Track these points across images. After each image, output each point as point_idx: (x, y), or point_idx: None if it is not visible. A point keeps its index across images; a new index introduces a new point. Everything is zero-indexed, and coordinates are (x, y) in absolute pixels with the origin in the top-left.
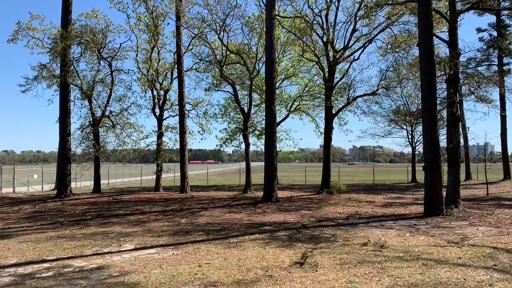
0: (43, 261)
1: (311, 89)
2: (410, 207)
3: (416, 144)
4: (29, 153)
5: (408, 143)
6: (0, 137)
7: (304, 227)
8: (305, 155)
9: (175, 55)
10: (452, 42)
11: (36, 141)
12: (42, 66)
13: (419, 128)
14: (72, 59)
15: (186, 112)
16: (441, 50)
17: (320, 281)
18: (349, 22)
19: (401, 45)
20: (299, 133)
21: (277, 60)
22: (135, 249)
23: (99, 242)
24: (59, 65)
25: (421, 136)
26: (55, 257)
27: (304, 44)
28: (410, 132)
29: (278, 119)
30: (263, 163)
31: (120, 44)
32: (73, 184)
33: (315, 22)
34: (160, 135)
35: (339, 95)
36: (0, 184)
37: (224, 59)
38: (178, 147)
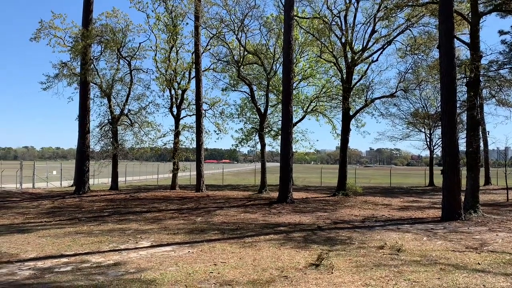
0: (62, 256)
1: (328, 90)
2: (427, 211)
3: (435, 148)
4: (48, 150)
5: (426, 146)
6: (21, 134)
7: (319, 228)
8: (320, 157)
9: (193, 55)
10: (474, 45)
11: (56, 138)
12: (63, 64)
13: (438, 131)
14: (92, 58)
15: (203, 111)
16: (462, 52)
17: (336, 283)
18: (368, 23)
19: (420, 47)
20: (316, 135)
21: (295, 60)
22: (151, 246)
23: (116, 238)
24: (79, 63)
25: (440, 140)
26: (73, 252)
27: (322, 45)
28: (429, 135)
29: (294, 120)
30: (278, 164)
31: (140, 43)
32: (91, 181)
33: (333, 23)
34: (177, 134)
35: (357, 96)
36: (21, 180)
37: (241, 59)
38: (195, 146)
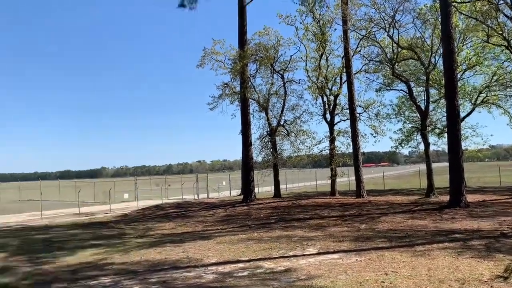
0: (238, 261)
1: (500, 78)
2: None
3: None
4: (217, 162)
5: None
6: (194, 150)
7: (503, 235)
8: (496, 153)
9: (343, 59)
10: None
11: (222, 151)
12: (225, 85)
13: None
14: (249, 76)
15: (357, 115)
16: None
17: None
18: None
19: None
20: (489, 129)
21: (456, 49)
22: (318, 254)
23: (284, 245)
24: (238, 82)
25: None
26: (247, 258)
27: (489, 28)
28: None
29: (461, 115)
30: (445, 164)
31: (291, 56)
32: (256, 190)
33: (501, 1)
34: (332, 140)
35: None
36: (197, 191)
37: (395, 57)
38: (351, 151)
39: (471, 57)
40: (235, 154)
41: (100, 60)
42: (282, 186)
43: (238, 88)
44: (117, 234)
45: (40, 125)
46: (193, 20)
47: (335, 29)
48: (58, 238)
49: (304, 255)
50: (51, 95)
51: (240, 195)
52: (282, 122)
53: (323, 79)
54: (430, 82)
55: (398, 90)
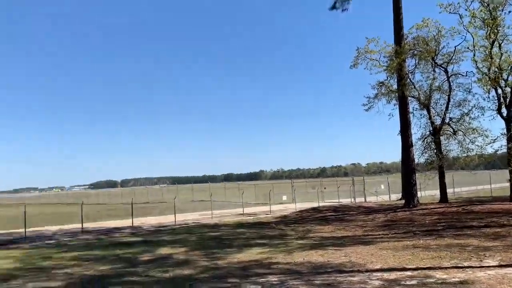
0: (404, 269)
1: None
2: None
3: None
4: (373, 165)
5: None
6: (348, 152)
7: None
8: None
9: None
10: None
11: (377, 153)
12: (381, 84)
13: None
14: (407, 72)
15: None
16: None
17: None
18: None
19: None
20: None
21: None
22: (500, 266)
23: (456, 254)
24: (395, 80)
25: None
26: (414, 266)
27: None
28: None
29: None
30: None
31: (455, 47)
32: (418, 193)
33: None
34: (510, 138)
35: None
36: (354, 194)
37: None
38: None
39: None
40: (392, 156)
41: (256, 67)
42: (448, 190)
43: (395, 86)
44: (278, 235)
45: (206, 131)
46: (345, 20)
47: (509, 12)
48: (227, 235)
49: (482, 266)
50: (218, 103)
51: (400, 199)
52: (447, 120)
53: (496, 69)
54: None
55: None
